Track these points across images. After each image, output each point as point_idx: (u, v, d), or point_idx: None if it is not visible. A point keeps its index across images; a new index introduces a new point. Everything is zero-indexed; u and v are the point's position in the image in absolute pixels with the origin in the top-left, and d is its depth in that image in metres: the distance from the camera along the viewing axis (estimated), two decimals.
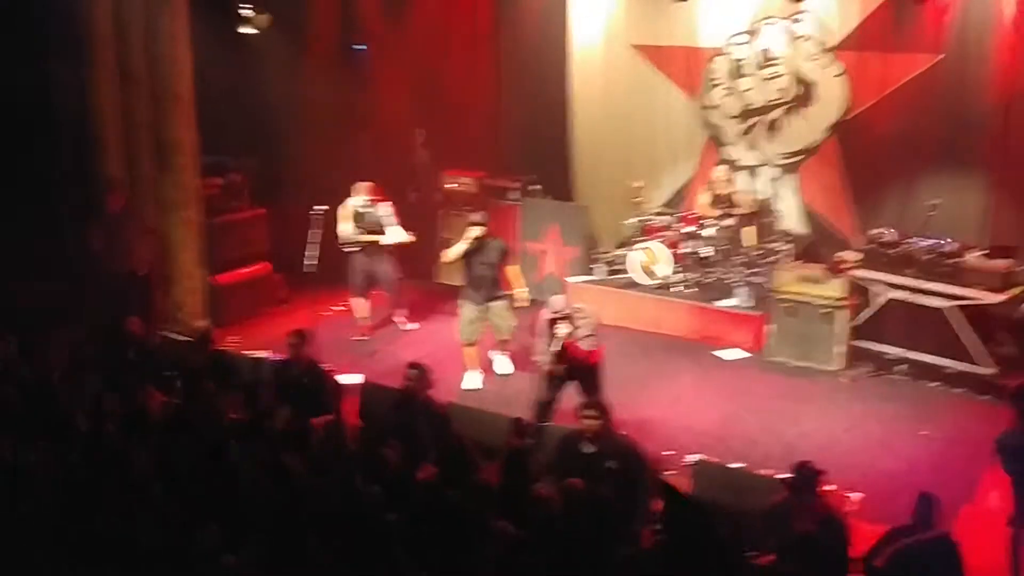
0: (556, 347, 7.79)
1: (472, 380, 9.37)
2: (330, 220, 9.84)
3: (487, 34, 12.39)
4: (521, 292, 9.37)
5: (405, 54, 12.25)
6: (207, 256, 10.41)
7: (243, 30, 11.18)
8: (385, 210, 10.17)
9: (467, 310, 9.37)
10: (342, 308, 10.76)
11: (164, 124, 9.91)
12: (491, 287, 9.35)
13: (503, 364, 9.65)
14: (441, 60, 12.35)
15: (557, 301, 8.02)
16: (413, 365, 7.41)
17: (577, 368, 7.92)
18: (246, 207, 11.30)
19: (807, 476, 5.99)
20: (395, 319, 10.86)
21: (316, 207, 9.47)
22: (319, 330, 8.97)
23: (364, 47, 12.33)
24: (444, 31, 12.40)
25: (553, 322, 7.84)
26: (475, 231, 9.24)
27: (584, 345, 7.87)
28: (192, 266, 10.29)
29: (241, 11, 11.06)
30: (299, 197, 10.74)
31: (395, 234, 10.15)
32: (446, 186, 12.22)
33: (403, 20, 12.17)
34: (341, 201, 10.14)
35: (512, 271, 9.43)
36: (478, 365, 9.47)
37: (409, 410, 7.23)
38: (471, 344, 9.42)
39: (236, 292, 10.93)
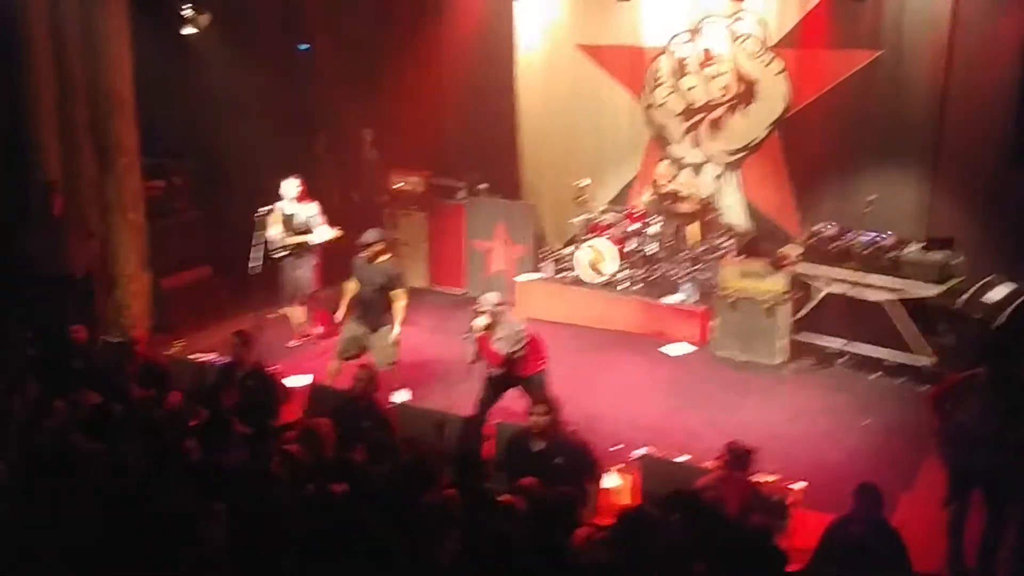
0: (470, 337, 7.85)
1: None
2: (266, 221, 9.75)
3: (432, 32, 12.38)
4: (395, 330, 8.79)
5: (349, 54, 12.20)
6: (150, 259, 10.28)
7: (184, 30, 11.04)
8: (311, 210, 9.98)
9: (349, 327, 8.94)
10: (285, 312, 10.68)
11: (104, 126, 9.78)
12: (375, 312, 8.80)
13: (401, 395, 8.99)
14: (386, 60, 12.30)
15: (488, 298, 7.96)
16: (362, 367, 7.38)
17: (513, 376, 7.94)
18: (188, 209, 11.18)
19: (739, 453, 6.14)
20: (307, 328, 10.51)
21: (260, 209, 9.38)
22: (265, 332, 8.91)
23: (308, 47, 12.25)
24: (388, 31, 12.36)
25: (475, 315, 7.88)
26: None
27: (495, 346, 7.80)
28: (136, 269, 10.18)
29: (182, 11, 10.92)
30: (242, 199, 10.65)
31: (322, 233, 9.93)
32: (393, 186, 12.18)
33: (347, 20, 12.11)
34: (276, 202, 10.04)
35: (398, 304, 8.83)
36: (339, 374, 8.86)
37: (355, 412, 7.21)
38: (345, 360, 8.83)
39: (180, 295, 10.82)
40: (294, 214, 9.92)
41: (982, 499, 6.50)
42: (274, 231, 9.90)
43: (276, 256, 9.96)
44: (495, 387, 8.03)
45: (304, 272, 10.06)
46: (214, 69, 11.42)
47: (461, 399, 8.22)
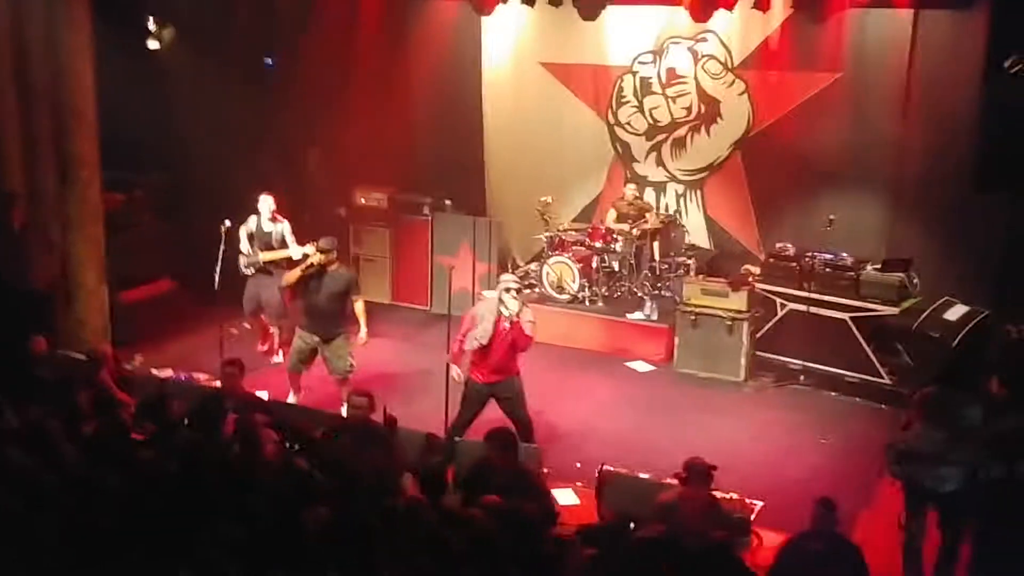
0: (507, 315, 7.60)
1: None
2: (235, 235, 9.68)
3: (399, 49, 12.39)
4: (362, 332, 8.80)
5: (315, 69, 12.17)
6: (111, 273, 10.18)
7: (148, 44, 10.97)
8: (284, 228, 9.92)
9: (299, 341, 8.81)
10: (248, 326, 10.63)
11: (66, 139, 9.66)
12: (330, 321, 8.69)
13: None
14: (352, 76, 12.29)
15: (508, 278, 7.94)
16: (358, 393, 7.14)
17: (498, 384, 7.88)
18: (150, 222, 11.09)
19: (699, 470, 6.18)
20: (266, 348, 10.44)
21: (224, 222, 9.32)
22: (225, 347, 8.85)
23: (273, 63, 12.22)
24: (355, 47, 12.34)
25: (500, 299, 7.67)
26: (315, 257, 8.61)
27: (527, 328, 7.68)
28: (96, 283, 10.04)
29: (146, 25, 10.86)
30: (205, 212, 10.57)
31: (296, 251, 9.78)
32: (358, 201, 12.15)
33: (313, 36, 12.08)
34: (248, 217, 10.00)
35: (359, 307, 8.82)
36: (299, 391, 9.02)
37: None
38: (296, 371, 8.92)
39: (141, 309, 10.72)
40: (270, 232, 9.86)
41: (937, 519, 6.57)
42: (242, 247, 9.85)
43: (247, 273, 9.92)
44: (479, 399, 7.92)
45: (272, 292, 9.93)
46: (178, 83, 11.36)
47: (422, 413, 8.21)
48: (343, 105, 12.32)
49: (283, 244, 9.84)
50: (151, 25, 10.88)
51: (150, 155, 11.28)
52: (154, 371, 9.47)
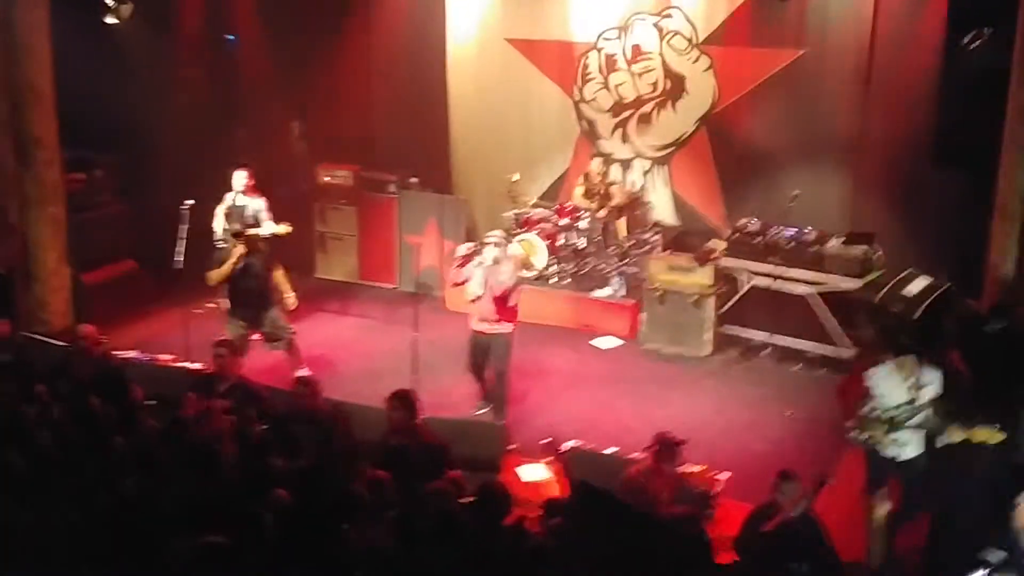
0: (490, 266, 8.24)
1: None
2: (199, 214, 9.57)
3: (363, 25, 12.29)
4: (289, 296, 9.09)
5: (277, 45, 12.05)
6: (72, 254, 10.06)
7: (106, 20, 10.80)
8: (259, 204, 9.87)
9: (232, 328, 8.86)
10: (212, 305, 10.54)
11: (24, 118, 9.51)
12: (259, 299, 8.91)
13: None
14: (314, 51, 12.17)
15: (496, 232, 8.61)
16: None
17: (492, 337, 8.46)
18: (111, 202, 10.96)
19: (668, 444, 6.23)
20: None
21: (185, 201, 9.22)
22: (190, 328, 8.78)
23: (235, 38, 12.08)
24: (317, 22, 12.21)
25: (478, 251, 8.39)
26: (240, 249, 8.84)
27: (504, 276, 8.31)
28: (56, 264, 9.92)
29: (103, 1, 10.69)
30: (167, 191, 10.47)
31: (269, 227, 9.79)
32: (323, 179, 12.07)
33: (274, 11, 11.95)
34: (212, 195, 9.91)
35: (278, 275, 9.08)
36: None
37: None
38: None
39: (102, 290, 10.57)
40: (243, 207, 9.80)
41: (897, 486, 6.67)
42: (216, 224, 9.81)
43: (220, 249, 9.75)
44: (484, 347, 8.55)
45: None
46: (138, 60, 11.20)
47: (387, 391, 8.18)
48: (308, 82, 12.23)
49: (256, 220, 9.79)
50: (109, 1, 10.68)
51: (110, 133, 11.11)
52: (117, 353, 9.37)
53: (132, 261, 11.10)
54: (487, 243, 8.44)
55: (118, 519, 5.07)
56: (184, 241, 9.13)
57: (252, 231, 9.70)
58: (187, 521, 4.92)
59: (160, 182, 11.23)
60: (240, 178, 9.82)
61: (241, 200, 9.83)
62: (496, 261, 8.33)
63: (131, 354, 9.30)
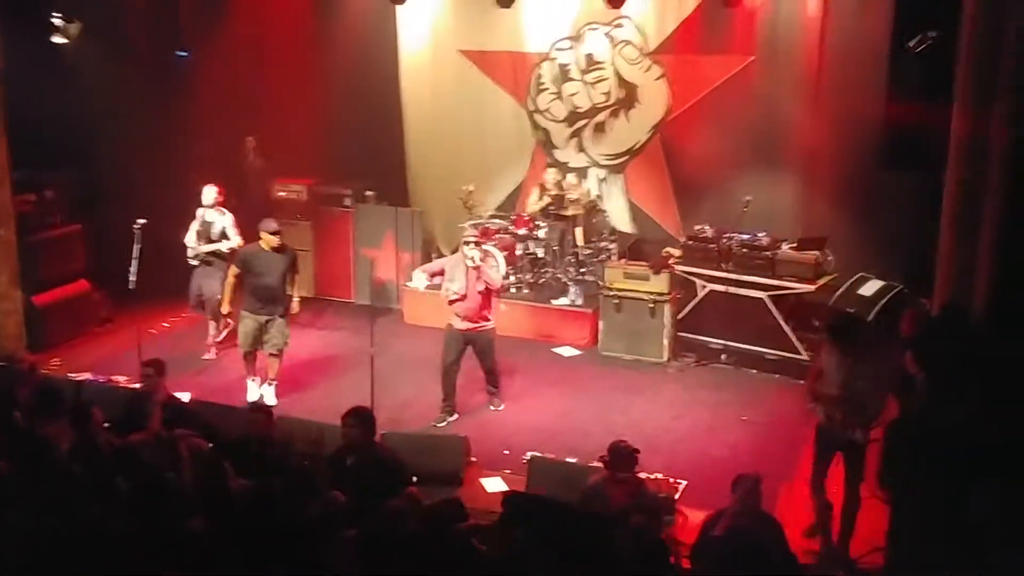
0: (472, 265, 8.47)
1: (253, 391, 9.12)
2: (152, 233, 9.50)
3: (314, 38, 12.22)
4: (295, 302, 9.21)
5: (229, 60, 11.96)
6: (23, 276, 9.91)
7: (54, 40, 10.68)
8: (227, 219, 10.03)
9: (247, 322, 9.00)
10: (167, 325, 10.48)
11: None
12: (278, 299, 9.01)
13: (268, 393, 9.12)
14: (266, 66, 12.12)
15: (472, 232, 8.85)
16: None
17: (473, 335, 8.69)
18: (62, 223, 10.82)
19: (622, 453, 6.26)
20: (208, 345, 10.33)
21: (137, 220, 9.13)
22: (144, 349, 8.68)
23: (187, 53, 11.99)
24: (268, 36, 12.15)
25: (463, 252, 8.58)
26: (233, 269, 9.12)
27: (491, 274, 8.66)
28: (7, 287, 9.76)
29: (51, 20, 10.56)
30: (119, 210, 10.35)
31: (236, 242, 9.94)
32: (276, 194, 12.01)
33: (225, 26, 11.86)
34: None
35: (295, 285, 9.18)
36: (255, 375, 9.18)
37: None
38: (250, 353, 9.10)
39: (55, 312, 10.43)
40: (212, 222, 9.97)
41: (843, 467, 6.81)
42: (188, 238, 9.95)
43: (193, 264, 10.07)
44: (459, 347, 8.73)
45: (212, 284, 9.98)
46: (89, 78, 11.07)
47: (347, 399, 8.15)
48: (261, 97, 12.15)
49: (223, 235, 9.98)
50: (57, 21, 10.56)
51: (61, 153, 10.98)
52: (71, 375, 9.26)
53: (85, 282, 10.95)
54: (467, 243, 8.65)
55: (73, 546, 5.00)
56: (137, 260, 9.03)
57: (209, 247, 9.85)
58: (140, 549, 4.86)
59: (112, 201, 11.10)
60: (210, 193, 9.99)
61: (210, 216, 9.99)
62: (478, 260, 8.53)
63: (85, 375, 9.18)
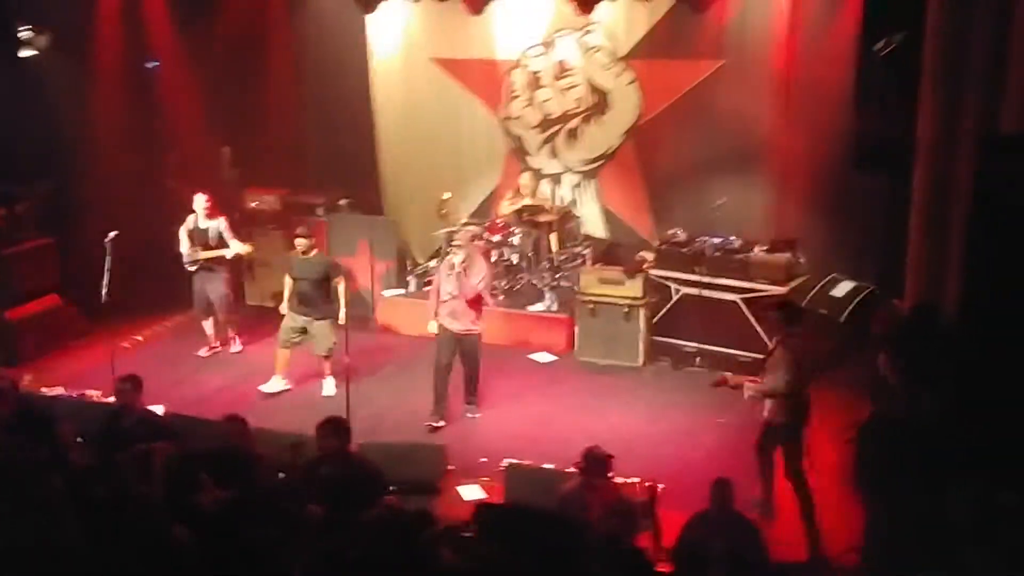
0: (456, 270, 8.70)
1: (274, 384, 9.52)
2: (123, 246, 9.43)
3: (284, 48, 12.19)
4: (341, 313, 9.29)
5: (200, 71, 11.91)
6: None
7: (23, 53, 10.60)
8: (221, 224, 10.22)
9: (287, 320, 9.51)
10: (140, 339, 10.43)
11: None
12: (315, 304, 9.40)
13: (328, 386, 9.55)
14: (237, 76, 12.05)
15: (464, 233, 9.20)
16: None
17: (463, 338, 8.85)
18: (34, 236, 10.74)
19: (597, 459, 6.27)
20: (230, 341, 10.70)
21: (109, 233, 9.07)
22: (118, 363, 8.61)
23: (157, 64, 11.93)
24: (238, 46, 12.08)
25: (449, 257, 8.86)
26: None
27: (474, 279, 8.73)
28: None
29: (19, 33, 10.48)
30: (92, 223, 10.30)
31: (235, 247, 10.22)
32: (249, 204, 11.96)
33: (195, 36, 11.81)
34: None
35: (341, 288, 9.38)
36: (284, 371, 9.55)
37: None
38: (286, 348, 9.52)
39: (27, 327, 10.37)
40: (206, 229, 10.15)
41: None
42: (182, 246, 10.04)
43: (191, 270, 10.24)
44: (451, 348, 8.89)
45: (217, 286, 10.29)
46: (58, 91, 11.01)
47: (324, 409, 8.13)
48: (233, 106, 12.08)
49: (220, 240, 10.19)
50: (25, 34, 10.49)
51: (32, 166, 10.91)
52: (44, 390, 9.18)
53: (57, 296, 10.86)
54: (455, 247, 8.91)
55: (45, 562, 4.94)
56: (109, 273, 8.97)
57: (209, 253, 10.13)
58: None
59: (85, 214, 11.03)
60: (200, 201, 10.18)
61: (204, 223, 10.17)
62: (465, 265, 8.72)
63: (58, 391, 9.11)
